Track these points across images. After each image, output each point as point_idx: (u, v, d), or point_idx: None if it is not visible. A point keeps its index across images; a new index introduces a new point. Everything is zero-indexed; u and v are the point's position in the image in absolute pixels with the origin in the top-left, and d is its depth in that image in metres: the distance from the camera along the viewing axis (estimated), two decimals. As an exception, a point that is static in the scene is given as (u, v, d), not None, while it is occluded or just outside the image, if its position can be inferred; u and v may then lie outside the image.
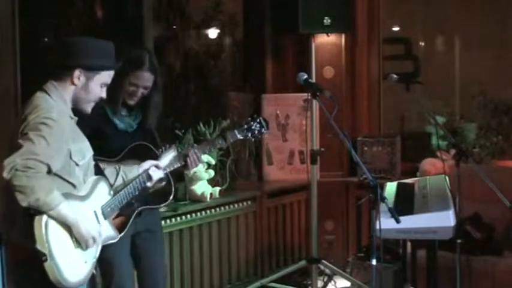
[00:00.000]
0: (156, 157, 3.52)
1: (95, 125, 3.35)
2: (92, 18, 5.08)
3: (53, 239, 2.64)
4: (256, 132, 3.77)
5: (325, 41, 5.73)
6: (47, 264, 2.61)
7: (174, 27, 5.92)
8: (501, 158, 5.43)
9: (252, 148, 5.64)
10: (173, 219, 4.52)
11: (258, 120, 3.79)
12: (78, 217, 2.73)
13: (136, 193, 3.23)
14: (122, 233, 3.34)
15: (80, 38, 3.03)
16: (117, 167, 3.23)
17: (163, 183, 3.48)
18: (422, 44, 6.88)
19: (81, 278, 2.78)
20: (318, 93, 3.59)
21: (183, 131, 4.88)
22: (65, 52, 2.86)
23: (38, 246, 2.60)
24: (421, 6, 6.42)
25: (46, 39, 4.93)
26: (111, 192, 3.04)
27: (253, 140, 3.86)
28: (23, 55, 3.78)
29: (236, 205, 5.13)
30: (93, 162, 2.97)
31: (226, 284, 5.09)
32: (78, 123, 2.95)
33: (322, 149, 5.05)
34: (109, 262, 3.40)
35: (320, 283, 5.23)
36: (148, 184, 3.28)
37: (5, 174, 2.53)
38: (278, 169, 5.84)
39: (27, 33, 3.99)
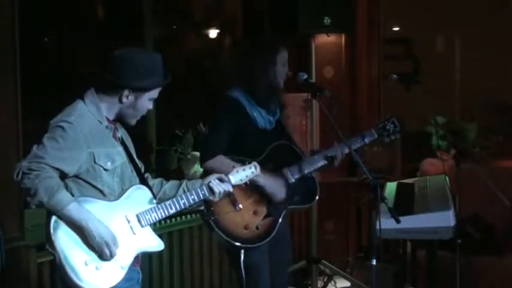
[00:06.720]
0: (298, 157, 3.47)
1: (234, 124, 3.30)
2: (92, 18, 5.07)
3: (64, 239, 2.62)
4: (391, 131, 3.72)
5: (325, 41, 5.72)
6: (58, 264, 2.61)
7: (174, 27, 5.92)
8: (501, 158, 5.43)
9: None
10: (173, 219, 4.51)
11: (392, 121, 3.74)
12: (89, 219, 2.62)
13: (193, 205, 2.93)
14: (271, 235, 3.30)
15: (130, 54, 2.79)
16: (181, 181, 3.01)
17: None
18: (422, 44, 6.88)
19: (106, 281, 2.67)
20: (317, 93, 3.58)
21: (183, 131, 4.87)
22: (114, 70, 2.75)
23: (47, 245, 2.64)
24: (421, 6, 6.41)
25: (46, 39, 4.93)
26: (154, 201, 2.86)
27: (388, 140, 3.77)
28: (23, 55, 3.77)
29: (236, 205, 5.12)
30: (129, 171, 2.85)
31: (227, 285, 5.09)
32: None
33: (322, 149, 5.04)
34: (253, 265, 3.29)
35: (320, 283, 5.23)
36: (212, 198, 2.95)
37: (14, 177, 2.59)
38: (278, 169, 5.82)
39: (27, 33, 3.98)
